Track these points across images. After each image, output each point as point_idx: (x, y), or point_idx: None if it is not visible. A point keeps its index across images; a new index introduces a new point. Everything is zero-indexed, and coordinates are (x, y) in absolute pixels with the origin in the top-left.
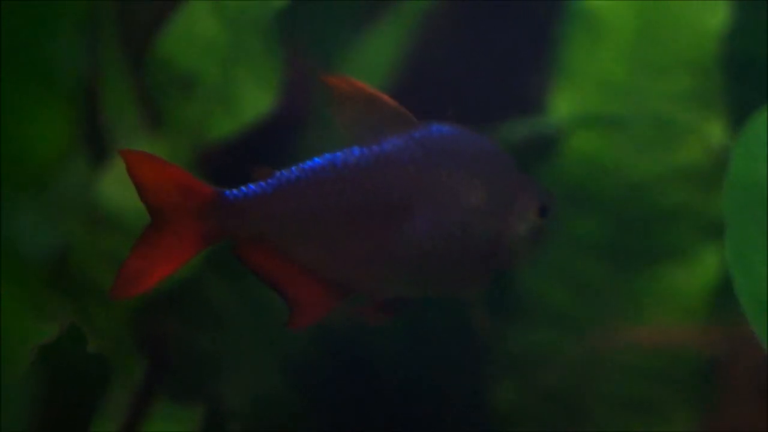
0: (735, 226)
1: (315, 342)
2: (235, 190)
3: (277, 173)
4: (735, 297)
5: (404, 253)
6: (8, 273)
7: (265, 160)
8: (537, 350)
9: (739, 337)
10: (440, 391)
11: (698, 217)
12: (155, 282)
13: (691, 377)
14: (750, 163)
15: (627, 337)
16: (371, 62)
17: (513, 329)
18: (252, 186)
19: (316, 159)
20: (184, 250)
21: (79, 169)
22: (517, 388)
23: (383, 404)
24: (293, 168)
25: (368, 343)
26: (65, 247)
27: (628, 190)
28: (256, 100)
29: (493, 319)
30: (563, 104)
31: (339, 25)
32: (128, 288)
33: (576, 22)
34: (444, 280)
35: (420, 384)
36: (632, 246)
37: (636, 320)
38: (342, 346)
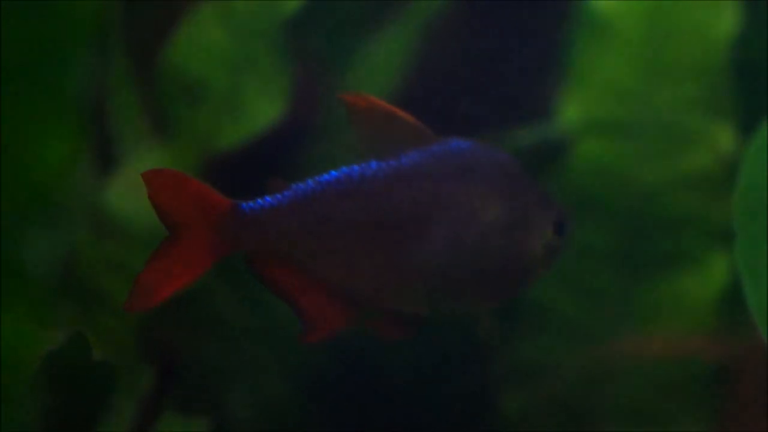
0: (744, 232)
1: (322, 351)
2: (251, 202)
3: (294, 185)
4: (744, 304)
5: (420, 268)
6: (12, 281)
7: (274, 168)
8: (544, 358)
9: (748, 344)
10: (447, 400)
11: (707, 223)
12: (170, 294)
13: (699, 385)
14: (760, 169)
15: (635, 345)
16: (379, 67)
17: (520, 337)
18: (268, 198)
19: (333, 172)
20: (199, 262)
21: (86, 178)
22: (524, 397)
23: (389, 411)
24: (309, 180)
25: (375, 350)
26: (71, 255)
27: (637, 196)
28: (264, 109)
29: (500, 327)
30: (572, 110)
31: (346, 32)
32: (143, 300)
33: (585, 27)
34: (460, 296)
35: (426, 392)
36: (641, 253)
37: (644, 328)
38: (348, 354)
